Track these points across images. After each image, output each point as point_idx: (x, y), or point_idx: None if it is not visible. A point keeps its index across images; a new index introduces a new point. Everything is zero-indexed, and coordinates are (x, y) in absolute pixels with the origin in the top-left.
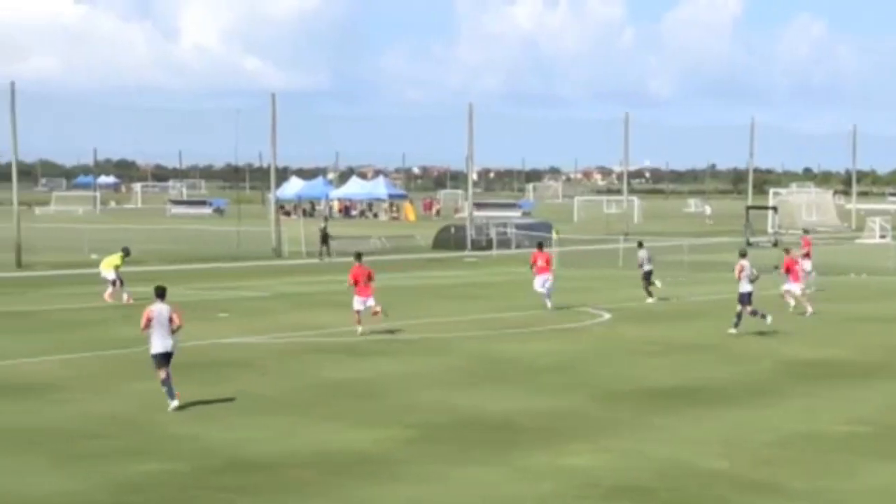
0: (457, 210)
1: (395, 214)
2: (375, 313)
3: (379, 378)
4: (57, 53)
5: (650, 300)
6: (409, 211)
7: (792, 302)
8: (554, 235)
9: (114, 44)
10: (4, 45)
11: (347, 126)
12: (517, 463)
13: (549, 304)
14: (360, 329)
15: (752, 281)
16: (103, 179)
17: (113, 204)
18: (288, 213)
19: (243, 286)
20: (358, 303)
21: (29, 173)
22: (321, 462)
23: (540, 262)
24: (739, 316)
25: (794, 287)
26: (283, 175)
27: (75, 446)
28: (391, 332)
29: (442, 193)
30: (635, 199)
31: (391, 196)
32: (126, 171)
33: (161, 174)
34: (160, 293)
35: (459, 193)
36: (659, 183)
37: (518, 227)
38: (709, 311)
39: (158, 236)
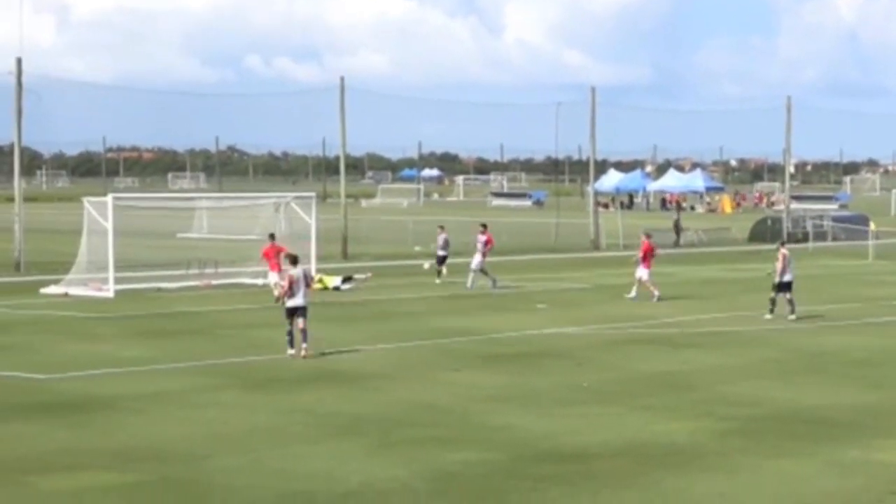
0: (773, 202)
1: (711, 206)
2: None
3: (694, 370)
4: (385, 49)
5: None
6: (725, 203)
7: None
8: (872, 228)
9: (440, 39)
10: (336, 41)
11: (665, 119)
12: (829, 457)
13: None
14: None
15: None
16: (427, 172)
17: (436, 196)
18: (606, 206)
19: (561, 277)
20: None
21: (356, 167)
22: (634, 453)
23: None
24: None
25: (643, 273)
26: (602, 168)
27: (393, 434)
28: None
29: (758, 186)
30: None
31: (708, 188)
32: (449, 164)
33: (482, 167)
34: (294, 260)
35: (776, 186)
36: None
37: (835, 219)
38: None
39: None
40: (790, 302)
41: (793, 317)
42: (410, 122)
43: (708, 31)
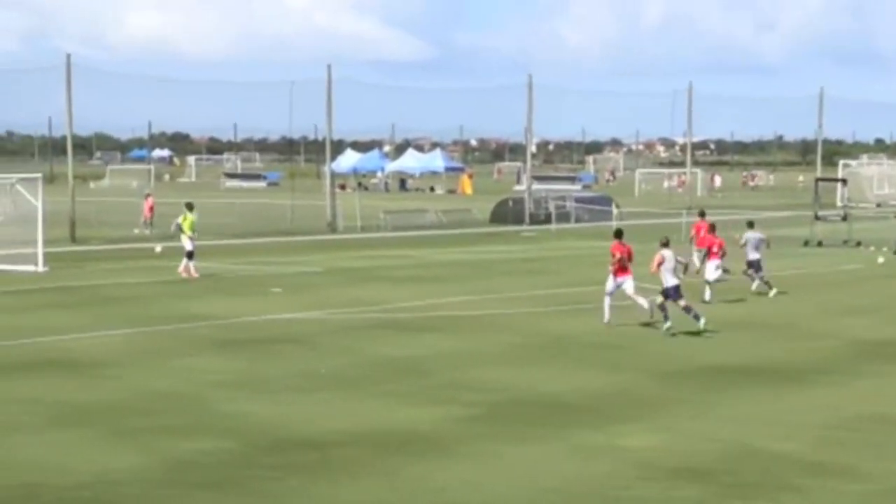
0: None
1: (451, 188)
2: None
3: (432, 355)
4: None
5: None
6: (465, 184)
7: None
8: (614, 210)
9: (171, 11)
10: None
11: (403, 98)
12: (574, 442)
13: None
14: None
15: (677, 273)
16: (158, 153)
17: (167, 178)
18: (343, 187)
19: (297, 261)
20: None
21: (84, 147)
22: (373, 441)
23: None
24: (664, 308)
25: None
26: (339, 148)
27: (127, 422)
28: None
29: (500, 166)
30: (699, 172)
31: (448, 169)
32: (180, 144)
33: (215, 147)
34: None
35: (518, 166)
36: (724, 154)
37: (578, 200)
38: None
39: (213, 210)
40: (687, 309)
41: (669, 324)
42: (139, 100)
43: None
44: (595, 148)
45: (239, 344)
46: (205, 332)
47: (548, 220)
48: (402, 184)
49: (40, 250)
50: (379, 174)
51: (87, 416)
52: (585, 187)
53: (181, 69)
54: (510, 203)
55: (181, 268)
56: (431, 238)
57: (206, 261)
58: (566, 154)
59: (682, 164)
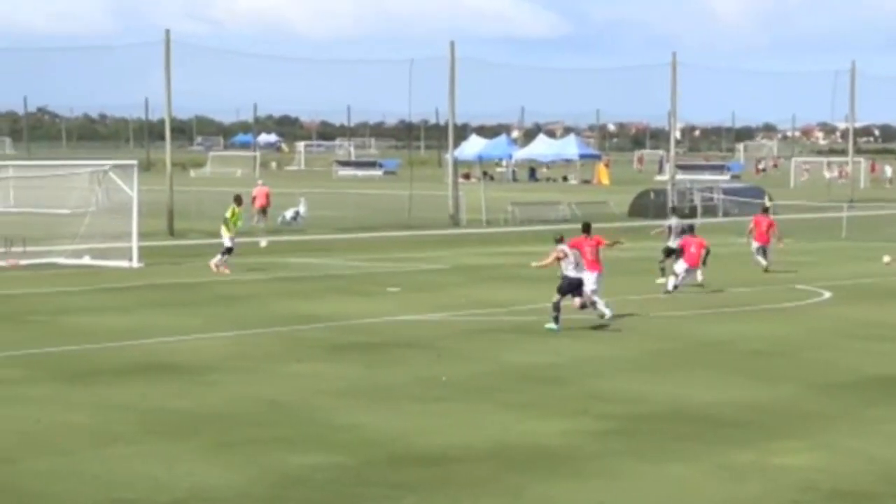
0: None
1: (586, 177)
2: None
3: (563, 362)
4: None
5: None
6: (602, 173)
7: None
8: (767, 203)
9: None
10: None
11: (534, 78)
12: (721, 461)
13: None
14: None
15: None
16: (264, 138)
17: (274, 165)
18: (467, 176)
19: (416, 257)
20: None
21: (183, 131)
22: (499, 456)
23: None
24: (558, 308)
25: None
26: (462, 133)
27: (230, 433)
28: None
29: (640, 154)
30: (861, 160)
31: (583, 156)
32: (288, 128)
33: (327, 132)
34: None
35: (660, 154)
36: (890, 142)
37: (726, 192)
38: None
39: (324, 202)
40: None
41: (553, 326)
42: (244, 81)
43: None
44: (746, 134)
45: (353, 348)
46: (316, 334)
47: (693, 213)
48: (532, 173)
49: (135, 244)
50: (506, 162)
51: (186, 425)
52: (734, 177)
53: (291, 47)
54: (651, 195)
55: (214, 262)
56: (564, 233)
57: (317, 257)
58: (714, 141)
59: (842, 152)
